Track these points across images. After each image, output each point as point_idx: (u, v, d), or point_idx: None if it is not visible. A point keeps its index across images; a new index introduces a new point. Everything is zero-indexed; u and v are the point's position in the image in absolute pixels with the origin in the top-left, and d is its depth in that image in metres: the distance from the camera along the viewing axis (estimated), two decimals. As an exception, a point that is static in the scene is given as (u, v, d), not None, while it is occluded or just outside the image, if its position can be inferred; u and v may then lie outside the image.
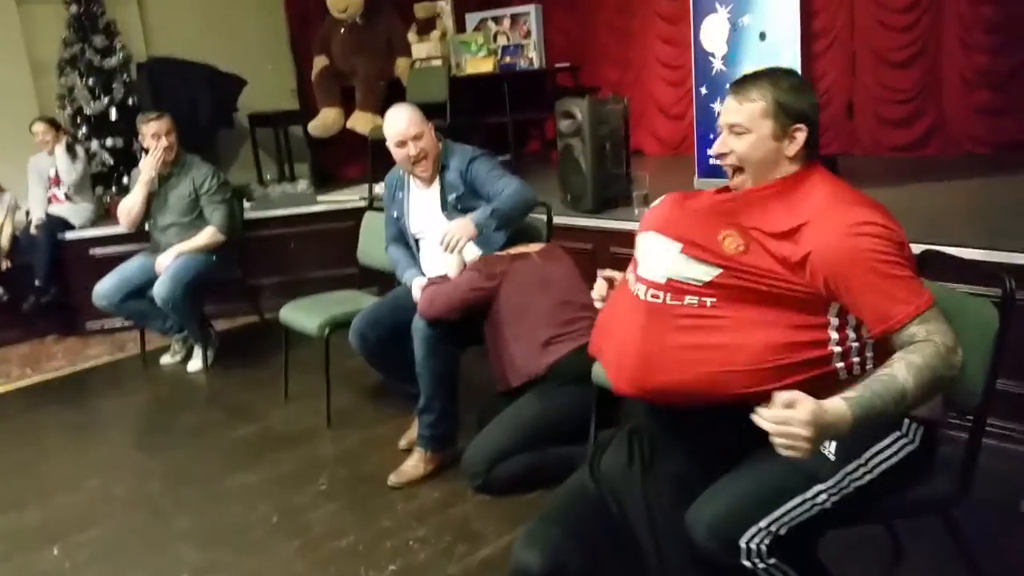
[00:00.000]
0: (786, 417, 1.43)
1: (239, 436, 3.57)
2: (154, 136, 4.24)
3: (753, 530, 1.62)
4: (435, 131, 3.20)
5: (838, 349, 1.65)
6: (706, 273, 1.67)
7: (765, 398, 1.69)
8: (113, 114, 5.86)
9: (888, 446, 1.72)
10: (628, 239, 3.91)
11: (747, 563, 1.63)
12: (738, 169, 1.79)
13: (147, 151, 4.31)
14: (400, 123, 3.10)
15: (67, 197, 5.33)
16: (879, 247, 1.59)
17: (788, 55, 3.98)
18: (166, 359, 4.61)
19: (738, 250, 1.67)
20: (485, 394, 3.13)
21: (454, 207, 3.15)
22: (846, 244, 1.59)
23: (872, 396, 1.50)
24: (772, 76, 1.78)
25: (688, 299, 1.69)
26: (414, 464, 3.02)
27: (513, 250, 3.08)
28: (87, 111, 5.83)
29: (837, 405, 1.47)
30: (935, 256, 2.08)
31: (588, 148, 4.03)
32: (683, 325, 1.68)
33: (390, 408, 3.60)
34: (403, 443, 3.26)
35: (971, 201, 3.87)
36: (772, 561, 1.64)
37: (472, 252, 3.09)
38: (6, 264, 5.20)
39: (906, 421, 1.74)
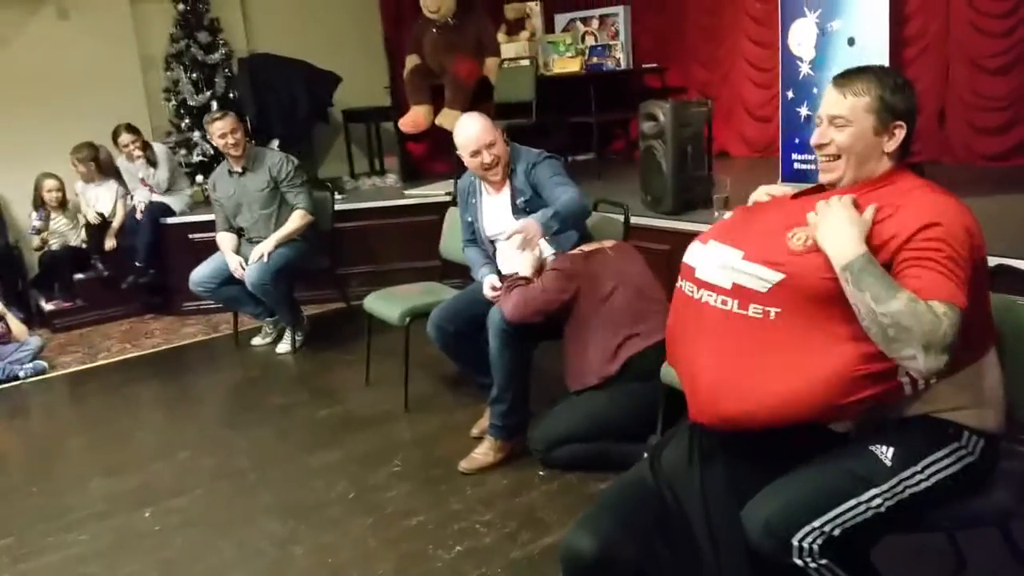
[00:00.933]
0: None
1: (321, 417, 3.75)
2: (221, 135, 4.43)
3: (807, 529, 1.66)
4: (504, 135, 3.29)
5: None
6: (768, 278, 1.71)
7: (832, 417, 1.74)
8: (215, 107, 6.14)
9: (946, 455, 1.73)
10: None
11: (799, 562, 1.66)
12: (835, 157, 1.82)
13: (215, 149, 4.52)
14: (474, 131, 3.21)
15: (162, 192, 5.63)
16: (937, 245, 1.61)
17: (877, 61, 3.91)
18: (257, 340, 4.84)
19: (806, 244, 1.71)
20: (557, 387, 3.21)
21: (523, 210, 3.24)
22: (924, 232, 1.62)
23: (880, 276, 1.58)
24: (877, 72, 1.82)
25: (753, 308, 1.72)
26: (484, 452, 3.13)
27: (587, 247, 3.16)
28: (191, 103, 6.14)
29: (858, 244, 1.62)
30: (1008, 271, 2.07)
31: (670, 150, 4.06)
32: (750, 345, 1.72)
33: (465, 396, 3.72)
34: (475, 431, 3.37)
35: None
36: (824, 561, 1.67)
37: (546, 251, 3.18)
38: (111, 244, 5.54)
39: (966, 433, 1.75)
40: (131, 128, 5.52)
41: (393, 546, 2.64)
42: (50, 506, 3.10)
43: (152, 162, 5.52)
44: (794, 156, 4.50)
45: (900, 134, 1.77)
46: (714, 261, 1.82)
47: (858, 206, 1.71)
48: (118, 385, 4.41)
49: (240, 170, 4.54)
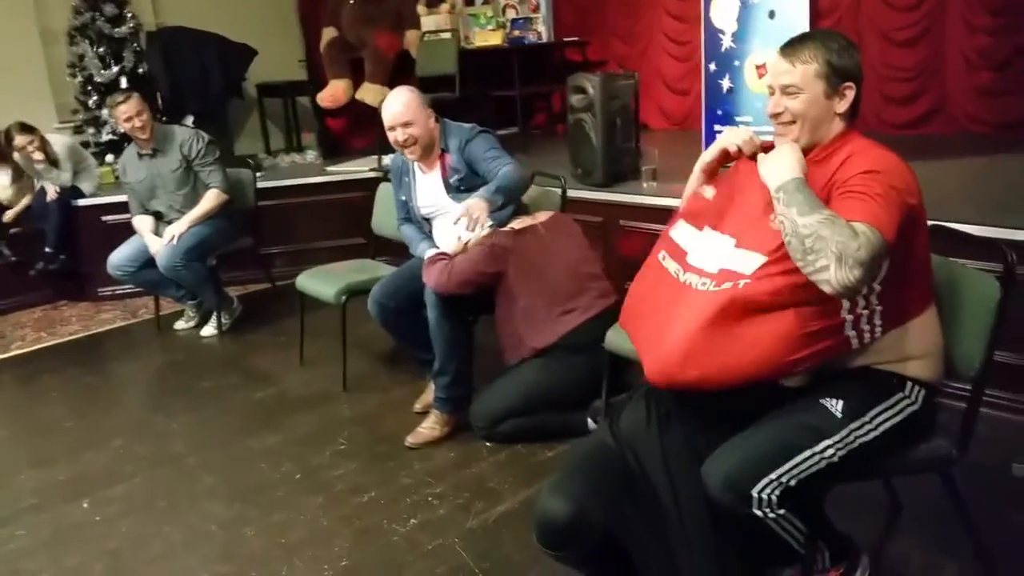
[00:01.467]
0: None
1: (257, 399, 3.67)
2: (126, 119, 4.25)
3: (765, 481, 1.73)
4: (433, 114, 3.23)
5: (850, 318, 1.75)
6: (754, 262, 1.78)
7: (785, 374, 1.81)
8: (123, 82, 5.86)
9: (892, 406, 1.83)
10: (637, 212, 4.04)
11: (759, 512, 1.74)
12: (790, 123, 1.87)
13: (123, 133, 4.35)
14: (393, 108, 3.16)
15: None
16: (870, 183, 1.69)
17: (798, 31, 4.05)
18: (180, 324, 4.70)
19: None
20: (499, 364, 3.22)
21: (457, 188, 3.23)
22: (861, 176, 1.71)
23: (809, 195, 1.67)
24: (821, 38, 1.87)
25: (726, 284, 1.79)
26: (430, 426, 3.13)
27: (518, 223, 3.17)
28: (97, 79, 5.86)
29: (793, 170, 1.73)
30: (941, 231, 2.18)
31: (599, 123, 4.10)
32: (718, 317, 1.77)
33: (404, 373, 3.70)
34: (418, 406, 3.36)
35: (972, 179, 3.97)
36: (782, 511, 1.75)
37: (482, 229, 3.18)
38: (10, 216, 5.22)
39: (909, 383, 1.85)
40: (25, 127, 5.08)
41: (347, 523, 2.62)
42: (-23, 500, 2.96)
43: (53, 161, 5.20)
44: (716, 127, 4.60)
45: (850, 94, 1.84)
46: (708, 249, 1.87)
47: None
48: (36, 375, 4.21)
49: (150, 152, 4.38)
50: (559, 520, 1.80)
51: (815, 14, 4.55)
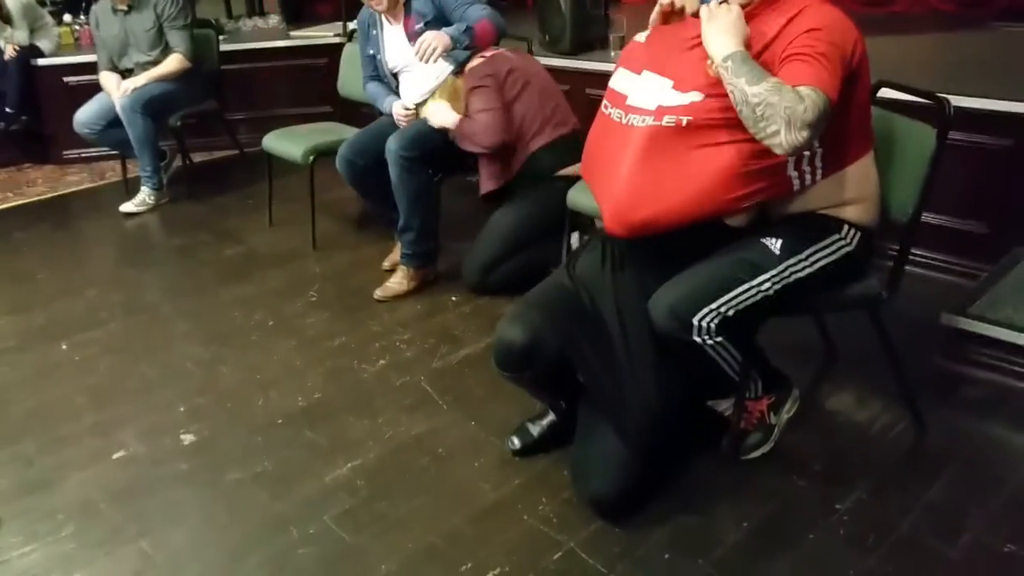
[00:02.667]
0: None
1: (228, 256, 3.76)
2: None
3: (705, 310, 1.88)
4: None
5: (792, 158, 1.86)
6: (691, 99, 1.86)
7: (728, 211, 1.94)
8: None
9: (827, 245, 1.98)
10: (604, 80, 4.01)
11: (698, 339, 1.90)
12: None
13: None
14: None
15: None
16: (813, 43, 1.76)
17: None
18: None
19: (718, 72, 1.86)
20: (467, 226, 3.33)
21: (419, 34, 3.21)
22: (804, 36, 1.78)
23: (752, 65, 1.76)
24: None
25: (667, 119, 1.87)
26: (398, 280, 3.25)
27: (486, 53, 3.19)
28: (52, -65, 5.65)
29: (738, 43, 1.79)
30: (888, 87, 2.29)
31: (568, -11, 4.09)
32: (659, 152, 1.87)
33: (372, 233, 3.81)
34: (386, 264, 3.48)
35: (930, 54, 4.05)
36: (719, 339, 1.91)
37: (443, 67, 3.22)
38: None
39: (845, 226, 1.99)
40: None
41: (319, 363, 2.78)
42: (-43, 342, 3.06)
43: (7, 19, 5.07)
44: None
45: None
46: (647, 90, 1.94)
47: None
48: (6, 232, 4.25)
49: (125, 8, 4.31)
50: (515, 345, 1.96)
51: None
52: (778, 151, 1.74)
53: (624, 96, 2.00)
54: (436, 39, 2.99)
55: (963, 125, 2.91)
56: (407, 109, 3.29)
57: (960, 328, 2.49)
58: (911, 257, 3.05)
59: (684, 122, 1.86)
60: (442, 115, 3.12)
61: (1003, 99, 2.87)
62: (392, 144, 3.11)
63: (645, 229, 1.96)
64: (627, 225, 1.97)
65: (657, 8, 2.08)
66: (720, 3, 1.88)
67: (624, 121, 1.98)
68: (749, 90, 1.72)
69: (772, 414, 2.20)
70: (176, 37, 4.35)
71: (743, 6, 1.91)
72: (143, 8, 4.30)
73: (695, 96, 1.86)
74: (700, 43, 1.90)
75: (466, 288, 3.19)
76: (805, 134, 1.69)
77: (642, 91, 1.95)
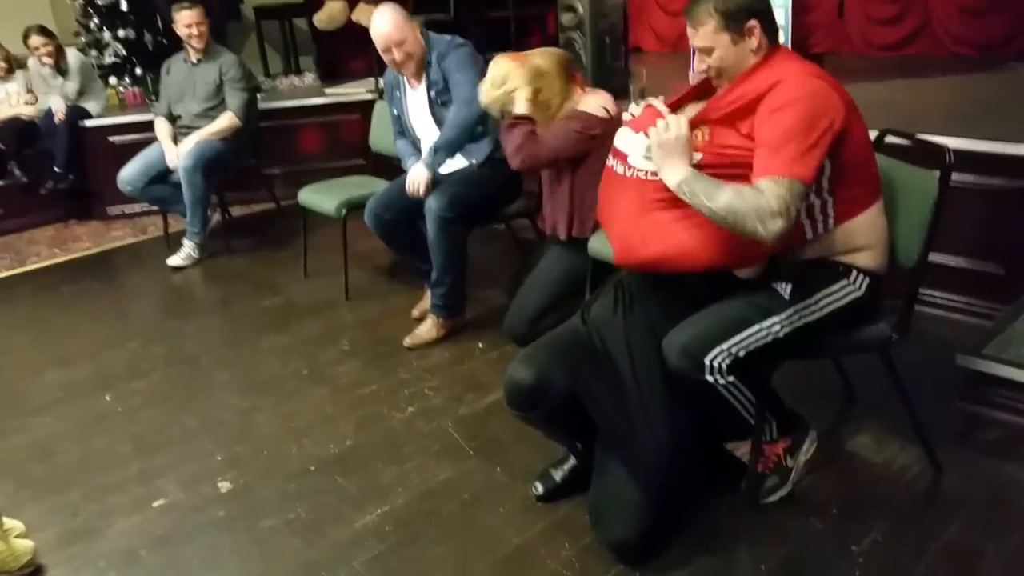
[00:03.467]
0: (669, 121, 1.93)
1: (265, 306, 3.90)
2: (187, 25, 4.47)
3: (717, 350, 1.96)
4: (419, 27, 3.33)
5: (802, 207, 1.94)
6: (694, 158, 1.95)
7: (741, 261, 2.02)
8: (124, 5, 5.97)
9: (837, 291, 2.05)
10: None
11: (710, 378, 1.97)
12: (719, 74, 2.05)
13: (181, 39, 4.57)
14: (383, 30, 3.22)
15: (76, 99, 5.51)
16: (778, 124, 1.85)
17: (781, -47, 4.15)
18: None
19: (704, 139, 1.97)
20: (491, 272, 3.41)
21: (436, 103, 3.37)
22: (771, 117, 1.87)
23: (706, 181, 1.86)
24: None
25: None
26: (427, 329, 3.36)
27: (608, 104, 2.90)
28: (99, 2, 5.94)
29: (684, 165, 1.90)
30: (892, 134, 2.37)
31: (588, 41, 4.23)
32: (664, 200, 1.97)
33: (403, 284, 3.93)
34: (416, 313, 3.59)
35: (945, 97, 4.11)
36: (731, 379, 1.98)
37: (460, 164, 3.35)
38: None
39: (854, 272, 2.06)
40: (43, 31, 5.33)
41: (351, 411, 2.88)
42: (8, 395, 3.21)
43: (62, 71, 5.36)
44: (692, 70, 4.72)
45: (756, 31, 1.97)
46: (641, 149, 2.04)
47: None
48: (54, 286, 4.44)
49: (195, 61, 4.60)
50: (523, 384, 2.05)
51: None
52: (766, 243, 1.84)
53: (626, 155, 2.10)
54: (419, 177, 3.22)
55: (976, 168, 2.98)
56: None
57: (976, 369, 2.52)
58: (929, 299, 3.15)
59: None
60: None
61: (1015, 142, 2.92)
62: (432, 203, 3.22)
63: (656, 266, 2.04)
64: (637, 260, 2.06)
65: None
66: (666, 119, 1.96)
67: (629, 174, 2.07)
68: (712, 205, 1.83)
69: (789, 457, 2.25)
70: (234, 97, 4.59)
71: (712, 81, 2.04)
72: (211, 63, 4.59)
73: (695, 156, 1.95)
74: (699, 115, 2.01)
75: (510, 338, 3.07)
76: (779, 222, 1.79)
77: (644, 150, 2.04)
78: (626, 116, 2.22)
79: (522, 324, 3.02)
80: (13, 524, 2.26)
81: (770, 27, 2.01)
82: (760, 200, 1.79)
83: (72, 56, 5.48)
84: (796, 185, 1.81)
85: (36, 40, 5.28)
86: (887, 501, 2.20)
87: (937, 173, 2.09)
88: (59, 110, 5.30)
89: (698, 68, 2.07)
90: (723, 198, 1.82)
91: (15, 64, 5.51)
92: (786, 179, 1.81)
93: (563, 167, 2.91)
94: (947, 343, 2.70)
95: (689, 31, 2.04)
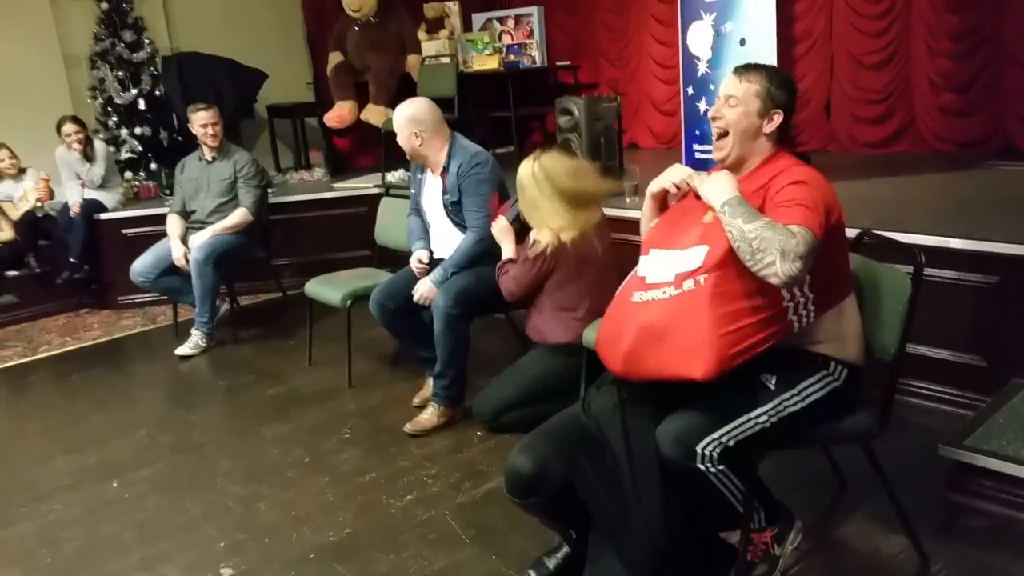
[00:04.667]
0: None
1: (269, 395, 4.00)
2: (202, 125, 4.71)
3: (708, 439, 2.04)
4: (424, 130, 3.50)
5: (791, 304, 2.07)
6: (700, 253, 2.09)
7: (744, 357, 2.11)
8: (142, 104, 6.28)
9: (817, 381, 2.15)
10: (620, 225, 4.35)
11: (702, 467, 2.05)
12: (723, 135, 2.23)
13: (196, 137, 4.81)
14: (396, 118, 3.57)
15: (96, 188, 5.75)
16: (799, 194, 2.04)
17: (765, 59, 4.37)
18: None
19: (712, 220, 2.10)
20: (489, 360, 3.53)
21: (448, 208, 3.57)
22: (788, 187, 2.06)
23: (748, 208, 2.01)
24: (769, 69, 2.27)
25: (687, 284, 2.09)
26: (428, 416, 3.45)
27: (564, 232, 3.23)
28: (117, 101, 6.25)
29: (732, 189, 2.06)
30: (872, 236, 2.51)
31: (584, 142, 4.45)
32: (677, 314, 2.07)
33: (404, 372, 4.03)
34: (417, 401, 3.68)
35: (926, 194, 4.27)
36: (721, 467, 2.06)
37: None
38: (10, 234, 5.60)
39: (832, 363, 2.17)
40: (76, 120, 5.66)
41: (350, 498, 2.94)
42: (17, 482, 3.28)
43: (89, 157, 5.63)
44: (695, 147, 4.95)
45: (778, 120, 2.20)
46: (658, 265, 2.19)
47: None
48: (64, 374, 4.56)
49: (209, 159, 4.83)
50: (523, 472, 2.13)
51: (788, 40, 4.91)
52: (774, 280, 1.93)
53: (643, 279, 2.22)
54: (428, 292, 3.47)
55: (954, 264, 3.11)
56: (421, 263, 3.63)
57: (958, 460, 2.59)
58: (914, 389, 3.25)
59: (702, 280, 2.07)
60: (504, 246, 3.36)
61: (987, 240, 3.06)
62: (440, 301, 3.37)
63: (651, 380, 2.14)
64: (635, 376, 2.17)
65: (649, 191, 2.35)
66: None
67: (644, 299, 2.17)
68: (746, 227, 1.96)
69: (776, 545, 2.30)
70: (247, 194, 4.79)
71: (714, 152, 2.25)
72: (225, 160, 4.81)
73: (702, 249, 2.09)
74: (699, 212, 2.17)
75: (476, 419, 3.35)
76: (799, 265, 1.91)
77: (655, 267, 2.19)
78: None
79: (488, 411, 3.32)
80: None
81: (786, 128, 2.23)
82: (790, 239, 1.92)
83: (99, 145, 5.78)
84: (815, 239, 1.95)
85: (69, 127, 5.56)
86: (873, 589, 2.25)
87: (911, 271, 2.23)
88: (75, 203, 5.52)
89: (713, 111, 2.26)
90: (757, 224, 1.96)
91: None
92: (811, 231, 1.95)
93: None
94: (931, 433, 2.78)
95: (732, 81, 2.24)
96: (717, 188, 2.10)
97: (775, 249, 1.91)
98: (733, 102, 2.22)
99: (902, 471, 2.34)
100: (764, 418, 2.09)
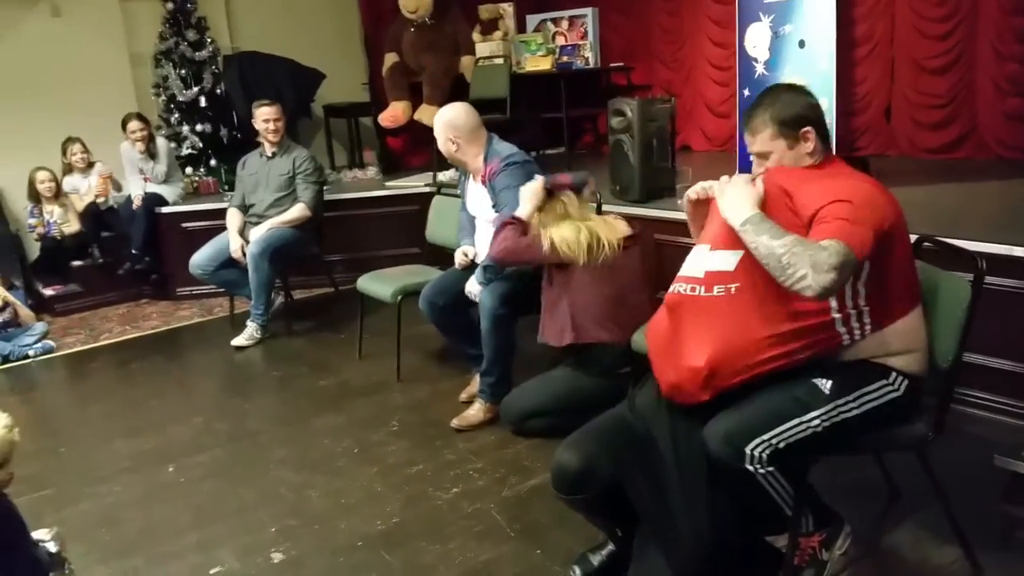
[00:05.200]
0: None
1: (321, 386, 4.08)
2: (265, 120, 4.84)
3: (757, 441, 2.03)
4: (462, 134, 3.55)
5: (839, 316, 2.05)
6: (732, 258, 2.08)
7: (783, 366, 2.10)
8: (203, 102, 6.43)
9: (875, 390, 2.11)
10: (671, 227, 4.35)
11: (750, 468, 2.04)
12: None
13: (256, 134, 4.94)
14: (436, 119, 3.63)
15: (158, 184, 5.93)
16: (839, 211, 1.96)
17: (824, 62, 4.35)
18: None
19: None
20: (532, 359, 3.58)
21: (493, 206, 3.59)
22: (822, 212, 1.99)
23: (772, 224, 1.95)
24: (768, 100, 2.19)
25: (717, 289, 2.10)
26: (475, 411, 3.49)
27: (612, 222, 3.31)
28: (179, 98, 6.41)
29: (752, 207, 2.00)
30: (934, 242, 2.47)
31: (636, 144, 4.43)
32: (708, 313, 2.09)
33: (452, 368, 4.08)
34: (463, 396, 3.72)
35: (989, 201, 4.19)
36: (770, 469, 2.05)
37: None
38: (76, 226, 5.83)
39: (893, 373, 2.13)
40: (141, 117, 5.88)
41: (398, 489, 2.99)
42: (80, 463, 3.40)
43: (152, 154, 5.81)
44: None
45: (811, 136, 2.14)
46: (691, 260, 2.20)
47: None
48: (124, 362, 4.70)
49: (270, 155, 4.95)
50: (570, 469, 2.14)
51: (848, 43, 4.83)
52: (808, 294, 1.89)
53: (680, 273, 2.24)
54: (474, 290, 3.48)
55: (1017, 272, 3.05)
56: (465, 256, 3.70)
57: (1014, 471, 2.53)
58: (971, 399, 3.18)
59: (733, 289, 2.08)
60: (523, 204, 3.26)
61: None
62: (487, 301, 3.40)
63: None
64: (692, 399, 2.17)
65: (685, 198, 2.35)
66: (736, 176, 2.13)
67: (680, 290, 2.18)
68: (773, 243, 1.92)
69: (824, 550, 2.28)
70: (305, 190, 4.90)
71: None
72: (285, 156, 4.93)
73: (735, 254, 2.08)
74: None
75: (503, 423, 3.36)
76: (832, 276, 1.85)
77: (689, 261, 2.19)
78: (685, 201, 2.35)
79: (513, 415, 3.32)
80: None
81: (823, 133, 2.17)
82: (820, 252, 1.87)
83: (161, 142, 5.98)
84: (851, 254, 1.89)
85: (134, 125, 5.78)
86: (922, 598, 2.21)
87: (971, 278, 2.19)
88: (137, 196, 5.70)
89: (755, 172, 2.21)
90: (785, 239, 1.91)
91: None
92: (845, 244, 1.89)
93: (557, 281, 3.24)
94: (987, 443, 2.72)
95: (747, 138, 2.21)
96: (736, 204, 2.03)
97: (805, 262, 1.87)
98: (762, 155, 2.18)
99: (956, 481, 2.29)
100: (817, 422, 2.06)
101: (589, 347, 3.25)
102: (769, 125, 2.15)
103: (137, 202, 5.70)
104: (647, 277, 3.51)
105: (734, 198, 2.05)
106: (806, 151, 2.16)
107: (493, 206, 3.56)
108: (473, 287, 3.51)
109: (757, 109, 2.19)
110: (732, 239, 2.10)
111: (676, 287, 2.19)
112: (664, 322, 2.24)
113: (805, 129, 2.14)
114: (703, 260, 2.15)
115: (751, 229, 1.98)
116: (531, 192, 3.24)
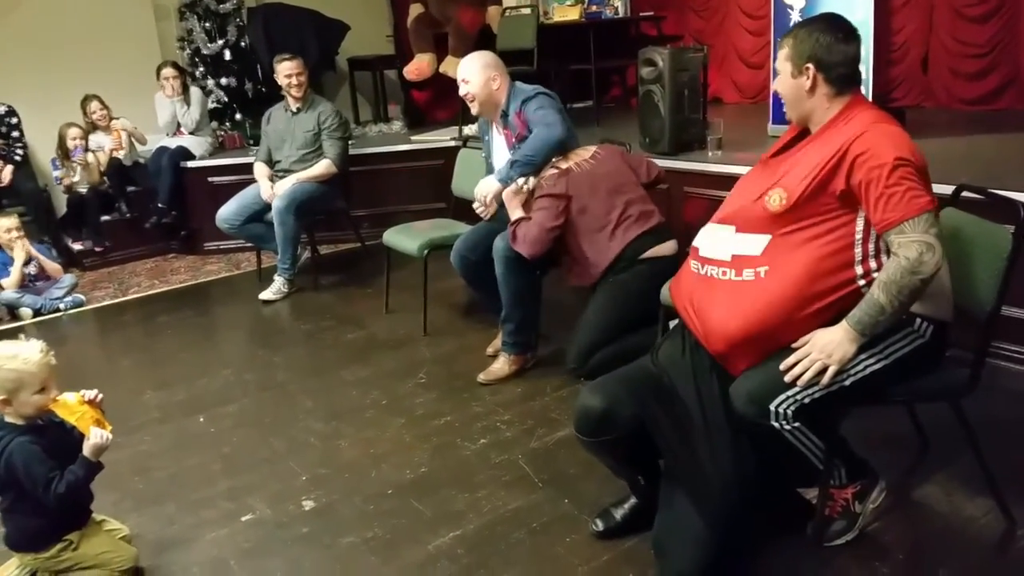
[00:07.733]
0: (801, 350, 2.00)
1: (349, 340, 4.09)
2: (287, 75, 4.79)
3: (782, 397, 2.01)
4: (498, 76, 3.50)
5: (863, 282, 2.01)
6: (759, 243, 2.06)
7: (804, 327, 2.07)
8: (228, 55, 6.39)
9: (901, 338, 2.07)
10: (701, 180, 4.29)
11: (775, 424, 2.02)
12: (783, 97, 2.18)
13: (280, 88, 4.89)
14: (460, 66, 3.58)
15: (189, 133, 5.93)
16: (901, 180, 1.93)
17: (862, 9, 4.21)
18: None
19: (781, 204, 2.05)
20: (565, 312, 3.53)
21: (516, 148, 3.52)
22: (870, 176, 1.95)
23: (860, 313, 1.96)
24: (798, 26, 2.17)
25: (747, 273, 2.07)
26: (500, 365, 3.48)
27: (562, 162, 3.37)
28: (204, 51, 6.37)
29: (834, 327, 1.98)
30: (968, 190, 2.40)
31: (667, 94, 4.35)
32: (737, 294, 2.07)
33: (479, 322, 4.07)
34: (490, 350, 3.71)
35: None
36: (796, 424, 2.03)
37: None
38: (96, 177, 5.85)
39: (918, 320, 2.09)
40: (176, 65, 5.94)
41: (426, 440, 3.00)
42: (111, 414, 3.37)
43: (187, 100, 5.88)
44: (783, 100, 4.78)
45: (809, 73, 2.08)
46: (714, 240, 2.17)
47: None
48: (153, 315, 4.74)
49: (295, 110, 4.90)
50: (592, 410, 2.13)
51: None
52: (944, 266, 1.96)
53: (697, 248, 2.22)
54: (488, 189, 3.43)
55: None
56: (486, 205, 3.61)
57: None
58: (1007, 352, 3.11)
59: (762, 273, 2.05)
60: (509, 207, 3.34)
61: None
62: (500, 243, 3.38)
63: (732, 350, 2.12)
64: (712, 349, 2.15)
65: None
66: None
67: (702, 271, 2.17)
68: (888, 306, 1.93)
69: (857, 503, 2.26)
70: (331, 146, 4.86)
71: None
72: (310, 112, 4.88)
73: (763, 238, 2.06)
74: (764, 174, 2.13)
75: (569, 372, 3.32)
76: (929, 255, 1.90)
77: (710, 241, 2.17)
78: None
79: (575, 358, 3.27)
80: (118, 527, 2.45)
81: (836, 77, 2.09)
82: (900, 262, 1.90)
83: (195, 91, 6.03)
84: (921, 218, 1.91)
85: (168, 71, 5.84)
86: (954, 549, 2.19)
87: (1011, 228, 2.12)
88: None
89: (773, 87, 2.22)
90: (883, 297, 1.93)
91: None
92: (915, 216, 1.91)
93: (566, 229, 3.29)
94: (1022, 397, 2.68)
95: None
96: (837, 345, 1.99)
97: (909, 279, 1.90)
98: (777, 72, 2.17)
99: (990, 434, 2.25)
100: (843, 375, 2.03)
101: (615, 261, 3.26)
102: (788, 46, 2.13)
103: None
104: (634, 172, 3.48)
105: (829, 343, 2.00)
106: (805, 88, 2.11)
107: (517, 138, 3.50)
108: (488, 186, 3.44)
109: (793, 29, 2.18)
110: (757, 222, 2.08)
111: (705, 269, 2.17)
112: (695, 292, 2.22)
113: (807, 65, 2.10)
114: (729, 242, 2.13)
115: (867, 333, 1.99)
116: (514, 196, 3.33)
